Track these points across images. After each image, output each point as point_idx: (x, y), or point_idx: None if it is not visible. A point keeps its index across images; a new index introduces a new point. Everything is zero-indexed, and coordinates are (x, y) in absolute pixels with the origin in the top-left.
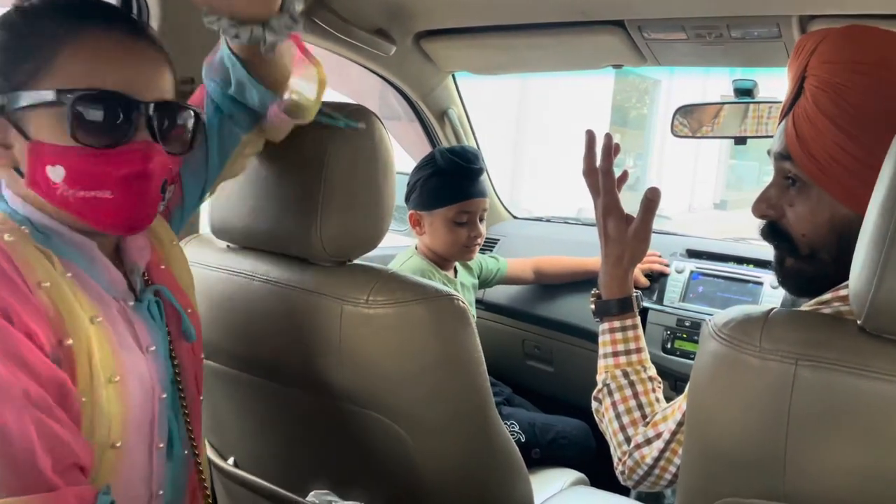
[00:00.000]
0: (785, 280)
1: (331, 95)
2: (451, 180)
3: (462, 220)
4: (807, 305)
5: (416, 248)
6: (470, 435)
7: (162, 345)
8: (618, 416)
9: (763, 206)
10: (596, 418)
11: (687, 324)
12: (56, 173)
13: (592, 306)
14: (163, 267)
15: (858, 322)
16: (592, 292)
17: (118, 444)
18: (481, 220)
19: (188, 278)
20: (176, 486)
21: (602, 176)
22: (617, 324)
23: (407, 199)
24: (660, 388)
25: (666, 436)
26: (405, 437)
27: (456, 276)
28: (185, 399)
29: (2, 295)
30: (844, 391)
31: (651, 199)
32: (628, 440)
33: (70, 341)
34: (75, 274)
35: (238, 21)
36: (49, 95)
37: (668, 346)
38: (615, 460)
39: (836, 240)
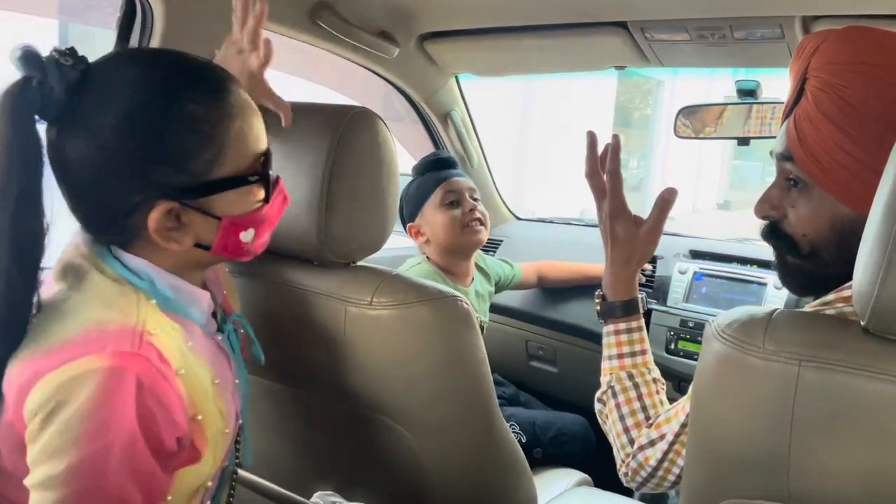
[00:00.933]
0: (786, 278)
1: (335, 97)
2: (425, 176)
3: (450, 201)
4: (810, 306)
5: (425, 258)
6: (474, 436)
7: (242, 374)
8: (622, 418)
9: (765, 206)
10: (599, 420)
11: (690, 324)
12: (248, 235)
13: (598, 308)
14: (225, 292)
15: (862, 323)
16: (597, 294)
17: (209, 484)
18: (474, 199)
19: (237, 300)
20: (217, 498)
21: (609, 177)
22: (622, 326)
23: (403, 223)
24: (664, 389)
25: (669, 437)
26: (409, 437)
27: (471, 284)
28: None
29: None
30: (848, 392)
31: (667, 199)
32: (632, 442)
33: (200, 416)
34: (192, 335)
35: None
36: (249, 177)
37: (672, 346)
38: (618, 462)
39: (837, 240)
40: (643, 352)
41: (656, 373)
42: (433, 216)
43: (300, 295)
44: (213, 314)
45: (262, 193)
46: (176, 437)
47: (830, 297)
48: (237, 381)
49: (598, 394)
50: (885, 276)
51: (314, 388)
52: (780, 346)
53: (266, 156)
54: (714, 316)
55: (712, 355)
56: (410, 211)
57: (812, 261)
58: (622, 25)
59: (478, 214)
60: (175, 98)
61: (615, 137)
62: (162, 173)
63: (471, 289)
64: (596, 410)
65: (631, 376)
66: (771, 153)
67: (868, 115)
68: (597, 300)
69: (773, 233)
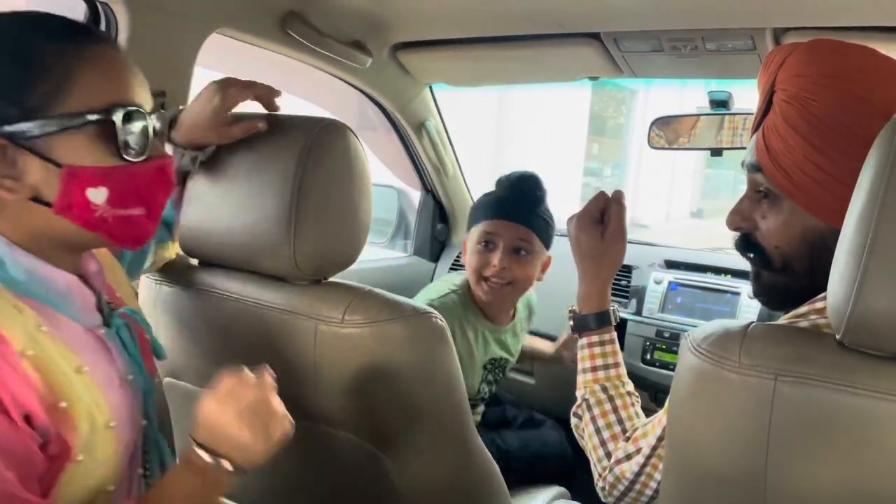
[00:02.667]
0: (761, 293)
1: (308, 108)
2: (488, 199)
3: (485, 241)
4: (783, 319)
5: (459, 288)
6: (449, 455)
7: (138, 371)
8: (598, 431)
9: (736, 218)
10: (576, 434)
11: (666, 335)
12: (98, 195)
13: (570, 322)
14: (119, 294)
15: (837, 336)
16: (570, 306)
17: (110, 488)
18: (518, 252)
19: (131, 294)
20: None
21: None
22: (595, 338)
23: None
24: (638, 402)
25: (646, 451)
26: (383, 458)
27: (510, 324)
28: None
29: None
30: (824, 407)
31: (619, 202)
32: (608, 455)
33: (64, 404)
34: (50, 321)
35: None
36: (89, 115)
37: (648, 357)
38: (595, 476)
39: (808, 252)
40: (616, 364)
41: (630, 386)
42: (470, 245)
43: (269, 313)
44: (100, 309)
45: (123, 151)
46: (22, 413)
47: (804, 308)
48: (130, 378)
49: (573, 408)
50: (858, 290)
51: (285, 408)
52: (755, 360)
53: (130, 112)
54: (690, 326)
55: (688, 370)
56: (468, 224)
57: (785, 275)
58: (595, 37)
59: (506, 276)
60: (17, 33)
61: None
62: None
63: (508, 328)
64: (572, 425)
65: (605, 389)
66: (742, 164)
67: (835, 128)
68: (570, 314)
69: (746, 244)
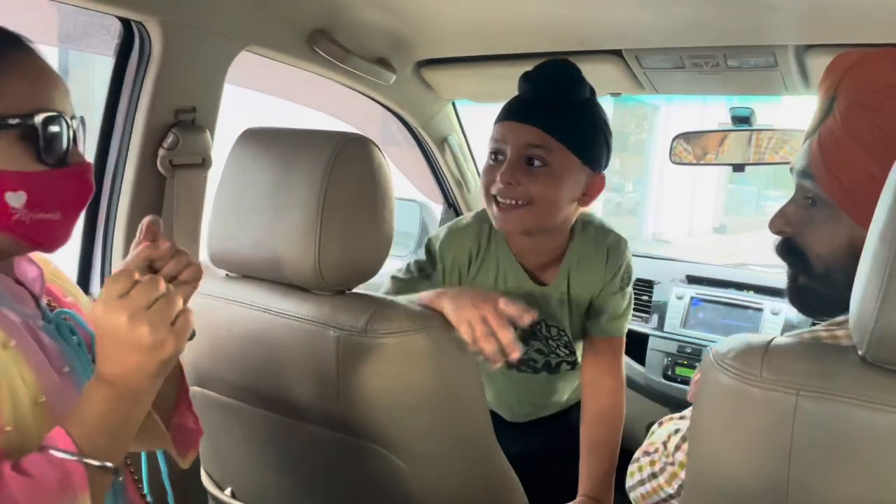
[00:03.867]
0: (795, 298)
1: (333, 123)
2: (516, 97)
3: (493, 149)
4: (808, 332)
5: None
6: (469, 466)
7: (79, 365)
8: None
9: (780, 222)
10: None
11: (688, 350)
12: (17, 199)
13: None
14: (70, 299)
15: (860, 353)
16: None
17: None
18: (530, 162)
19: (82, 299)
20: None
21: None
22: None
23: None
24: None
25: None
26: (404, 468)
27: (550, 285)
28: None
29: None
30: (846, 423)
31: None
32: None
33: None
34: None
35: None
36: (9, 120)
37: (669, 372)
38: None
39: (851, 262)
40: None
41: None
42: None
43: (293, 323)
44: (38, 305)
45: (43, 156)
46: None
47: (822, 332)
48: (66, 370)
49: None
50: (881, 306)
51: (307, 417)
52: (777, 375)
53: (51, 118)
54: (712, 342)
55: (710, 384)
56: None
57: (824, 282)
58: (617, 54)
59: (514, 193)
60: None
61: None
62: None
63: (551, 290)
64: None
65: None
66: (791, 169)
67: None
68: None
69: (787, 249)
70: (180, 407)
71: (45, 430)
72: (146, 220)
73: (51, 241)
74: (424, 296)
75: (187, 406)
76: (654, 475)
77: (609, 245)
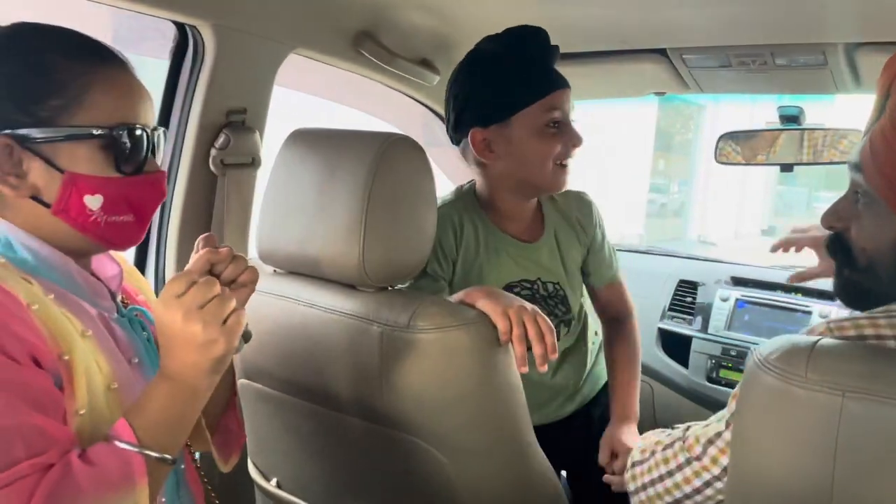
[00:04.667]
0: (840, 291)
1: (375, 124)
2: (531, 67)
3: (555, 121)
4: (849, 320)
5: (461, 189)
6: (509, 460)
7: (147, 357)
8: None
9: (831, 217)
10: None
11: (732, 353)
12: (94, 202)
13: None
14: (141, 297)
15: None
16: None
17: None
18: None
19: (153, 301)
20: (171, 495)
21: None
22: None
23: (457, 123)
24: None
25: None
26: (444, 462)
27: (539, 241)
28: None
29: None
30: (893, 425)
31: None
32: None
33: (67, 357)
34: (57, 294)
35: None
36: (94, 130)
37: (714, 375)
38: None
39: (895, 258)
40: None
41: None
42: (526, 137)
43: (338, 319)
44: (114, 300)
45: (121, 165)
46: (27, 352)
47: (863, 321)
48: (136, 360)
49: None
50: None
51: (350, 410)
52: (823, 376)
53: (132, 130)
54: (757, 345)
55: (754, 385)
56: (489, 110)
57: (868, 275)
58: (661, 52)
59: (579, 150)
60: (36, 45)
61: None
62: (3, 107)
63: (541, 245)
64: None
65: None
66: (847, 163)
67: None
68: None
69: (835, 243)
70: (228, 409)
71: (116, 416)
72: (203, 236)
73: (123, 241)
74: (457, 295)
75: (233, 408)
76: (669, 473)
77: (579, 195)
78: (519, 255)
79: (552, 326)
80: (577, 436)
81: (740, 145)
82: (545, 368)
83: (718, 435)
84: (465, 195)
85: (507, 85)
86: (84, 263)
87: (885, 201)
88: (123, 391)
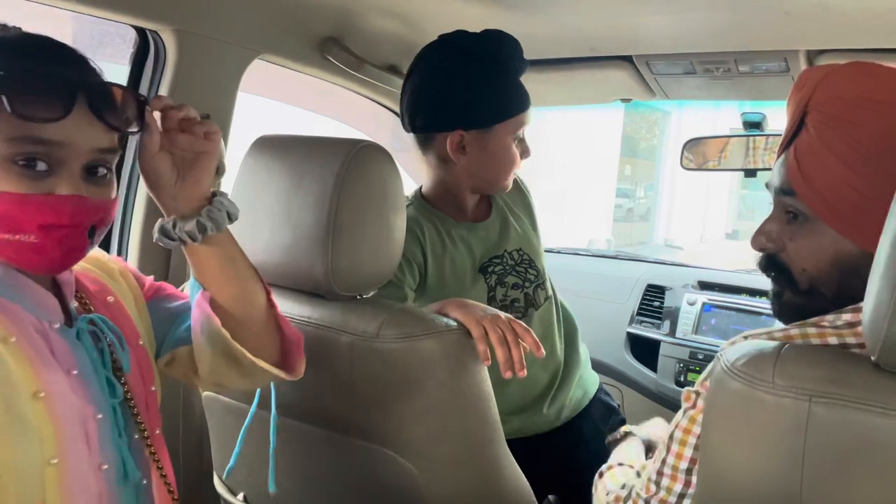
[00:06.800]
0: (780, 313)
1: (344, 130)
2: (515, 79)
3: (521, 135)
4: (793, 326)
5: (412, 195)
6: (480, 470)
7: (90, 368)
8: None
9: (762, 239)
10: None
11: (700, 356)
12: None
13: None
14: (110, 299)
15: (872, 358)
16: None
17: (54, 461)
18: None
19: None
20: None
21: None
22: None
23: (430, 119)
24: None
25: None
26: (415, 472)
27: (490, 217)
28: (144, 427)
29: None
30: (860, 429)
31: None
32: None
33: None
34: None
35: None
36: None
37: (682, 378)
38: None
39: (838, 276)
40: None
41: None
42: (499, 147)
43: (307, 329)
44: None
45: (15, 181)
46: None
47: (811, 330)
48: (74, 372)
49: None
50: (894, 311)
51: (320, 422)
52: (790, 381)
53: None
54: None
55: (721, 391)
56: (468, 113)
57: (810, 297)
58: (627, 59)
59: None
60: None
61: None
62: None
63: (493, 221)
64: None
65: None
66: (767, 185)
67: (877, 152)
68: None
69: (770, 265)
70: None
71: (43, 424)
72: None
73: (24, 262)
74: (432, 306)
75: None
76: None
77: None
78: (478, 236)
79: (528, 328)
80: (565, 454)
81: (692, 153)
82: (524, 373)
83: (664, 462)
84: (415, 199)
85: (497, 93)
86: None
87: (822, 220)
88: (53, 399)
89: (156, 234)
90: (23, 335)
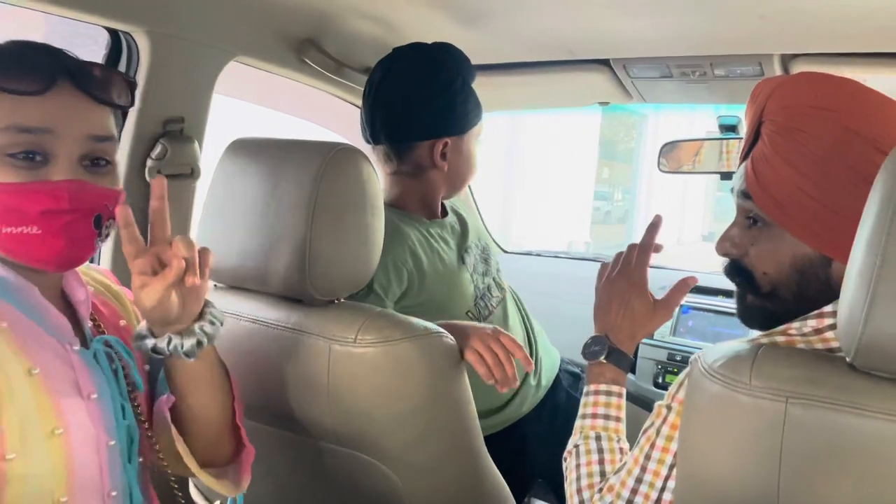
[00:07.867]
0: (745, 316)
1: (322, 134)
2: (474, 87)
3: (481, 139)
4: (762, 336)
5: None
6: (460, 475)
7: (108, 392)
8: (578, 479)
9: (726, 244)
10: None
11: (678, 358)
12: None
13: (597, 348)
14: (122, 323)
15: (848, 359)
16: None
17: (63, 500)
18: None
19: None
20: None
21: (641, 251)
22: (603, 387)
23: (404, 127)
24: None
25: (625, 494)
26: (394, 478)
27: (448, 216)
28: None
29: None
30: (836, 430)
31: (686, 282)
32: (582, 502)
33: None
34: (12, 320)
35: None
36: None
37: (660, 380)
38: None
39: (797, 278)
40: (618, 419)
41: (625, 445)
42: (470, 150)
43: (284, 334)
44: (82, 329)
45: (13, 173)
46: None
47: (778, 331)
48: (94, 396)
49: (564, 452)
50: (868, 313)
51: (298, 428)
52: (766, 382)
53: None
54: (700, 350)
55: (699, 393)
56: (453, 117)
57: (771, 299)
58: (605, 63)
59: None
60: None
61: (658, 217)
62: None
63: (449, 220)
64: (563, 466)
65: (598, 438)
66: (732, 190)
67: (826, 158)
68: (595, 343)
69: (734, 270)
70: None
71: (57, 463)
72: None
73: (31, 257)
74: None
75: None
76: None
77: None
78: (449, 232)
79: (516, 342)
80: (545, 432)
81: (667, 157)
82: (517, 384)
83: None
84: (386, 209)
85: (468, 99)
86: (53, 286)
87: (778, 223)
88: (71, 434)
89: (141, 348)
90: (46, 366)
